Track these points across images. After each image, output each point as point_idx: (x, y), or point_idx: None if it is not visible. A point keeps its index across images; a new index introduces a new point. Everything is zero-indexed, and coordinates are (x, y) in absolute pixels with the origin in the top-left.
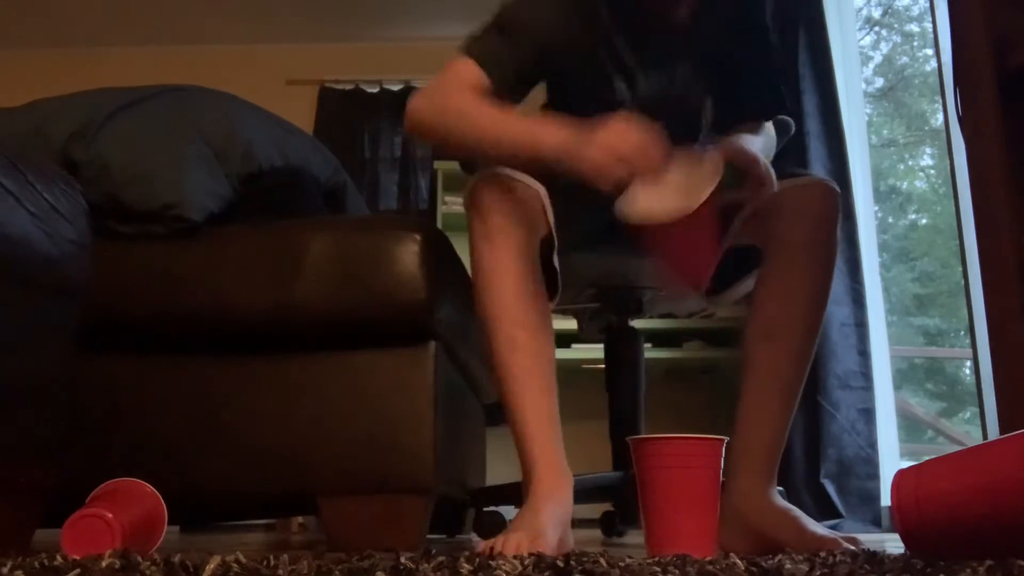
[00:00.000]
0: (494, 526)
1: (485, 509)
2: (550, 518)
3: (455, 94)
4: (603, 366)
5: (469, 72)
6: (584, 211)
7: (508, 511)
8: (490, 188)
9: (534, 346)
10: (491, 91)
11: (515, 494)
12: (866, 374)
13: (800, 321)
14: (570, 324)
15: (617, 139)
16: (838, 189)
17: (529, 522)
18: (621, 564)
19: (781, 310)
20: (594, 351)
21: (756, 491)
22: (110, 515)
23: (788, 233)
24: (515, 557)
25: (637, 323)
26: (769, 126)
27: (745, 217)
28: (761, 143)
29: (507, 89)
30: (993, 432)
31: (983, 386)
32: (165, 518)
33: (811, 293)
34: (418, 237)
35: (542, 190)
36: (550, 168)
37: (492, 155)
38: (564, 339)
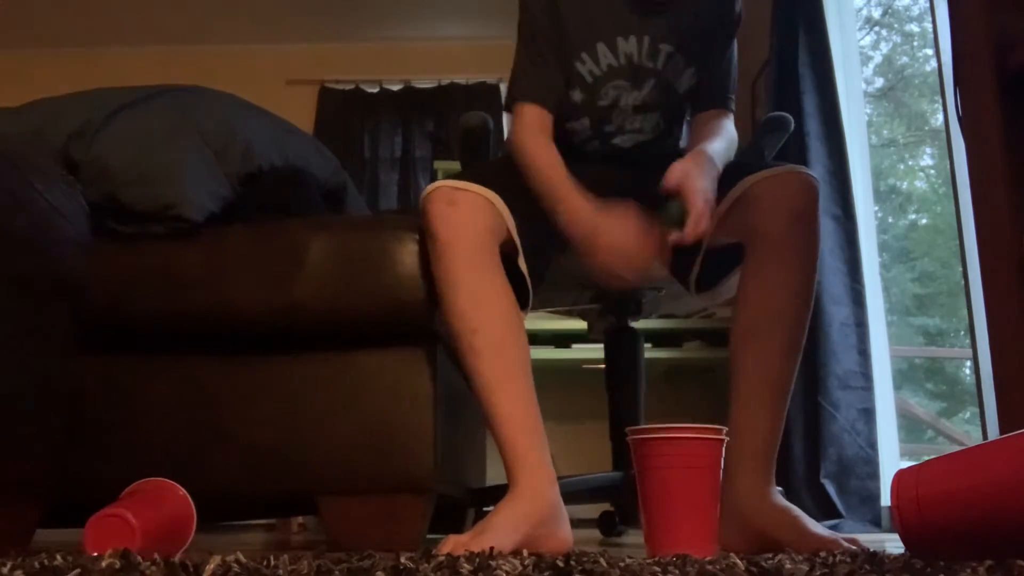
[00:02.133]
0: None
1: (485, 509)
2: (506, 518)
3: (528, 139)
4: (603, 366)
5: (532, 114)
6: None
7: None
8: (436, 203)
9: (497, 349)
10: (551, 113)
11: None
12: (866, 374)
13: (784, 316)
14: (568, 324)
15: (617, 252)
16: (815, 179)
17: (481, 523)
18: (621, 564)
19: (763, 306)
20: (594, 351)
21: (755, 490)
22: (131, 516)
23: (765, 226)
24: (515, 557)
25: (637, 323)
26: (730, 126)
27: (722, 213)
28: (723, 146)
29: (558, 98)
30: (993, 432)
31: (983, 386)
32: (194, 520)
33: (793, 287)
34: (418, 237)
35: (493, 196)
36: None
37: (539, 195)
38: (564, 339)
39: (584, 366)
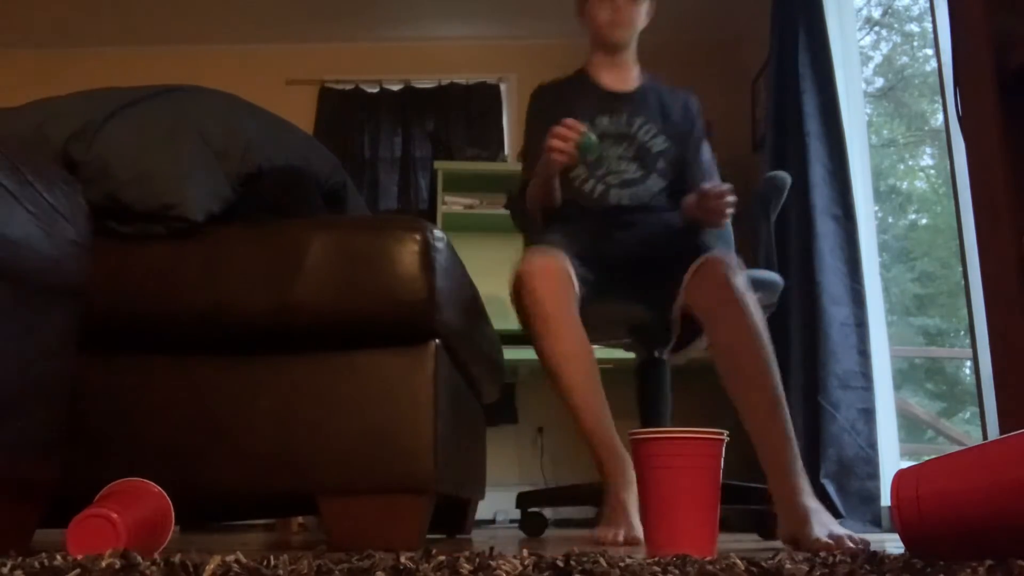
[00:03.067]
0: (537, 527)
1: (530, 510)
2: (632, 504)
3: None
4: (609, 366)
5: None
6: (615, 273)
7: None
8: (534, 257)
9: (578, 358)
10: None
11: (560, 497)
12: (866, 374)
13: (752, 365)
14: None
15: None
16: (722, 259)
17: (620, 515)
18: (621, 564)
19: (734, 366)
20: (598, 351)
21: (785, 497)
22: (115, 515)
23: (701, 306)
24: (515, 557)
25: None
26: None
27: (682, 294)
28: None
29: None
30: (993, 432)
31: (983, 386)
32: (172, 518)
33: (745, 342)
34: (418, 237)
35: (566, 261)
36: (560, 181)
37: (542, 193)
38: None
39: None
